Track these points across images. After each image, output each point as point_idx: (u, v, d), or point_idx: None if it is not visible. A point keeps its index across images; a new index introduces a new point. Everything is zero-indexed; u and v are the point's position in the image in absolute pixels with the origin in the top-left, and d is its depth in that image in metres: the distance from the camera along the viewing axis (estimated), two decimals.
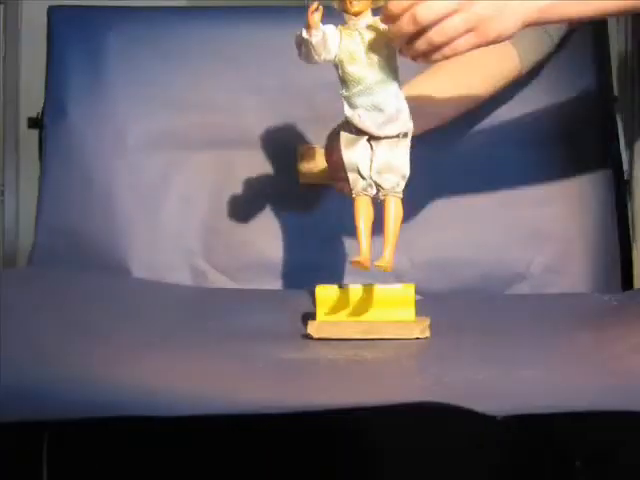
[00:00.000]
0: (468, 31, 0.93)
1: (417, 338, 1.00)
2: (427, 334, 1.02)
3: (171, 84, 1.36)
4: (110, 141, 1.35)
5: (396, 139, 0.99)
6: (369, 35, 0.97)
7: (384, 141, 0.99)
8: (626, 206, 1.35)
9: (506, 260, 1.31)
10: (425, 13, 0.91)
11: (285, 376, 0.83)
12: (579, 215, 1.33)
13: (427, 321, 1.03)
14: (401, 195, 0.99)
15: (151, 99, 1.36)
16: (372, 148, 0.99)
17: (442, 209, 1.29)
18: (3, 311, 0.91)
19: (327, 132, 1.22)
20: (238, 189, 1.34)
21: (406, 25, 0.92)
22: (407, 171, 0.99)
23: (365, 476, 0.80)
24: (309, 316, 1.05)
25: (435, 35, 0.93)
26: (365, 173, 0.99)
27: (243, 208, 1.34)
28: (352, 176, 1.00)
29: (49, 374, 0.77)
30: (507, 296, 1.22)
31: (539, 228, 1.31)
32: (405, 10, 0.92)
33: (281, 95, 1.36)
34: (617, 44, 1.21)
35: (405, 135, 0.99)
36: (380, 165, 0.98)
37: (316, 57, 0.96)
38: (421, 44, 0.93)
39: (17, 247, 1.64)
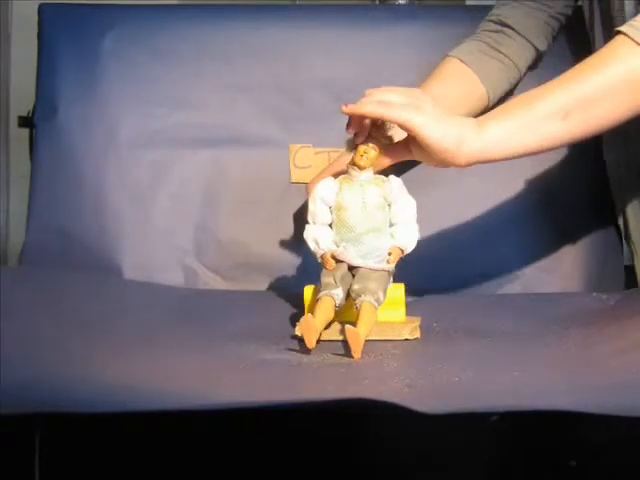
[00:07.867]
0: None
1: (406, 339, 0.99)
2: (417, 335, 1.00)
3: (162, 83, 1.36)
4: (101, 140, 1.34)
5: (377, 271, 0.98)
6: (368, 187, 1.00)
7: (365, 269, 0.98)
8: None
9: (497, 260, 1.30)
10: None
11: (260, 377, 0.82)
12: (569, 214, 1.32)
13: (417, 322, 1.02)
14: (377, 305, 0.97)
15: (142, 98, 1.35)
16: (353, 276, 0.99)
17: (433, 209, 1.28)
18: None
19: (319, 130, 1.21)
20: (229, 188, 1.34)
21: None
22: (383, 298, 0.97)
23: (356, 477, 0.79)
24: (299, 317, 1.04)
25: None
26: (341, 285, 0.97)
27: (234, 207, 1.33)
28: (326, 280, 0.98)
29: (35, 372, 0.76)
30: (500, 296, 1.21)
31: (530, 227, 1.30)
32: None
33: (273, 94, 1.35)
34: None
35: (386, 271, 0.99)
36: (358, 288, 0.97)
37: None
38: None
39: (7, 246, 1.63)
